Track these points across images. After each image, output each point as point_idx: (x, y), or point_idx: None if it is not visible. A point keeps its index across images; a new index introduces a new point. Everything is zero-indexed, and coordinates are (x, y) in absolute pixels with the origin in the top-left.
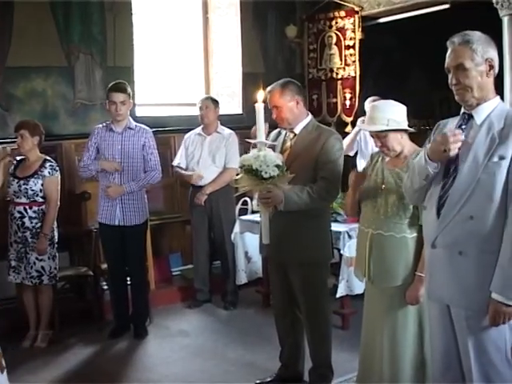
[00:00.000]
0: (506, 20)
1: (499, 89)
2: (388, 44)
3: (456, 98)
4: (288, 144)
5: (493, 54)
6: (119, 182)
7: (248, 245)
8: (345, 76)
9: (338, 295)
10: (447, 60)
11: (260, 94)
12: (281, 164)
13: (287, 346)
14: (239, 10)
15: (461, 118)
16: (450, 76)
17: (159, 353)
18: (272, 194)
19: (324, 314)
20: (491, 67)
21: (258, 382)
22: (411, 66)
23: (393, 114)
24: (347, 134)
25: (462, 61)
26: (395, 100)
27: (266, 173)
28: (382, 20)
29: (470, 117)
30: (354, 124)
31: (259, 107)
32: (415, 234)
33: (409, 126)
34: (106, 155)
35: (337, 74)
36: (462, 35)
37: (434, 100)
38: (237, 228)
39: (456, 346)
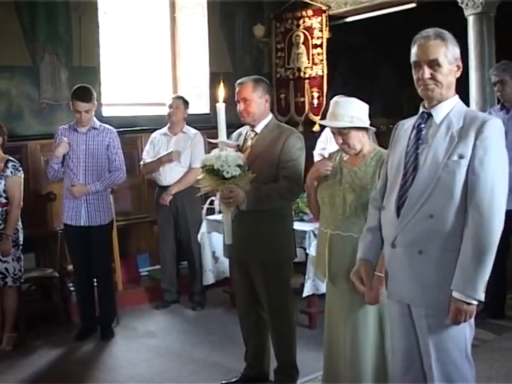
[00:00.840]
0: (471, 19)
1: (465, 87)
2: (357, 43)
3: (422, 93)
4: (249, 143)
5: (459, 54)
6: (83, 182)
7: (215, 245)
8: (312, 75)
9: (304, 294)
10: (418, 53)
11: (221, 94)
12: (242, 164)
13: (252, 345)
14: (206, 9)
15: (419, 117)
16: (416, 70)
17: (125, 354)
18: (233, 194)
19: (288, 313)
20: (458, 68)
21: (223, 382)
22: (380, 64)
23: (356, 111)
24: (315, 133)
25: (437, 56)
26: (365, 99)
27: (227, 173)
28: (349, 19)
29: (429, 116)
30: (321, 124)
31: (220, 107)
32: None
33: (379, 124)
34: (70, 155)
35: (304, 73)
36: (435, 30)
37: (402, 98)
38: (203, 228)
39: (417, 346)
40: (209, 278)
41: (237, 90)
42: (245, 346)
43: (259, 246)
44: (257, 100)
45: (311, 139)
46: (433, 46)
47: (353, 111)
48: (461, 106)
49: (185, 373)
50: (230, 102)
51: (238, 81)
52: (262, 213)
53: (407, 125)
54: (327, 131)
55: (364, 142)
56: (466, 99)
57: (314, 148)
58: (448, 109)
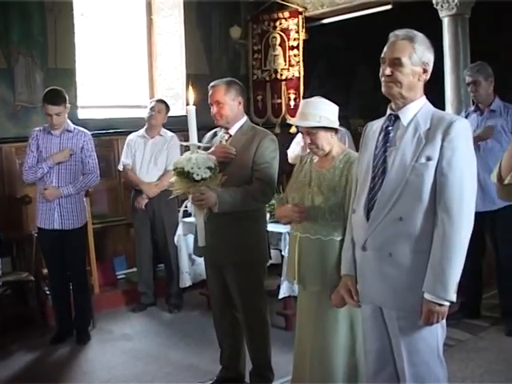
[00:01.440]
0: (445, 21)
1: (441, 88)
2: (334, 45)
3: (383, 90)
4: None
5: (430, 58)
6: (57, 185)
7: (191, 247)
8: (289, 77)
9: (280, 296)
10: (385, 50)
11: (191, 96)
12: (213, 166)
13: (227, 347)
14: (183, 11)
15: (387, 119)
16: (383, 67)
17: (101, 357)
18: (205, 196)
19: (261, 314)
20: (425, 71)
21: None
22: (357, 66)
23: (325, 111)
24: (292, 134)
25: (401, 55)
26: (342, 100)
27: (197, 175)
28: (325, 21)
29: (397, 118)
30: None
31: (190, 109)
32: (342, 237)
33: (357, 126)
34: (44, 158)
35: (281, 74)
36: (407, 31)
37: (379, 99)
38: (180, 230)
39: (389, 347)
40: (186, 281)
41: (210, 93)
42: (220, 348)
43: (232, 248)
44: (230, 103)
45: (288, 141)
46: (399, 45)
47: (321, 111)
48: (428, 107)
49: (160, 375)
50: (206, 104)
51: (211, 84)
52: (235, 215)
53: (375, 126)
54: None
55: (333, 144)
56: (441, 101)
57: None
58: (415, 110)
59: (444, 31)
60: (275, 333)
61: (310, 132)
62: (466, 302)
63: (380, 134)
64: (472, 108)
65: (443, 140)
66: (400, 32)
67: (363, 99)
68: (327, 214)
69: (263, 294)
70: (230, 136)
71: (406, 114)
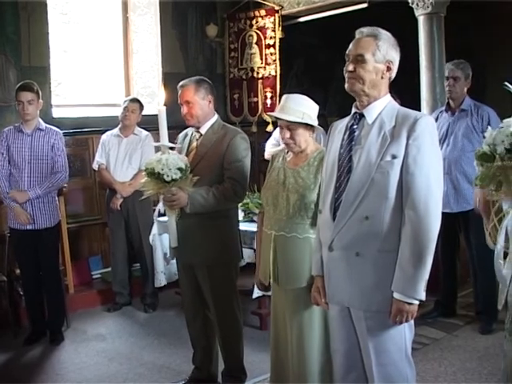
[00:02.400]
0: (421, 19)
1: (417, 87)
2: (312, 43)
3: (346, 86)
4: (194, 144)
5: (394, 56)
6: (28, 185)
7: (167, 246)
8: (265, 75)
9: (254, 296)
10: (350, 47)
11: (161, 96)
12: (183, 167)
13: (200, 348)
14: (159, 9)
15: (352, 118)
16: (347, 63)
17: (74, 358)
18: (176, 197)
19: (234, 315)
20: (389, 69)
21: None
22: (335, 64)
23: (308, 109)
24: (269, 133)
25: (364, 52)
26: (320, 99)
27: (167, 176)
28: (302, 19)
29: (362, 116)
30: (274, 123)
31: (161, 110)
32: None
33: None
34: (14, 157)
35: (257, 73)
36: (372, 28)
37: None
38: (155, 229)
39: (358, 347)
40: (161, 280)
41: (179, 92)
42: (193, 349)
43: (204, 248)
44: (200, 102)
45: (265, 139)
46: (363, 42)
47: (304, 108)
48: (393, 105)
49: (133, 376)
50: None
51: (180, 83)
52: (206, 214)
53: (341, 125)
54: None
55: (309, 142)
56: (416, 98)
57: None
58: (380, 109)
59: (419, 30)
60: (250, 332)
61: (291, 126)
62: (442, 300)
63: (345, 132)
64: (443, 108)
65: (408, 138)
66: (365, 29)
67: (341, 98)
68: (303, 212)
69: (235, 293)
70: (201, 135)
71: (371, 113)
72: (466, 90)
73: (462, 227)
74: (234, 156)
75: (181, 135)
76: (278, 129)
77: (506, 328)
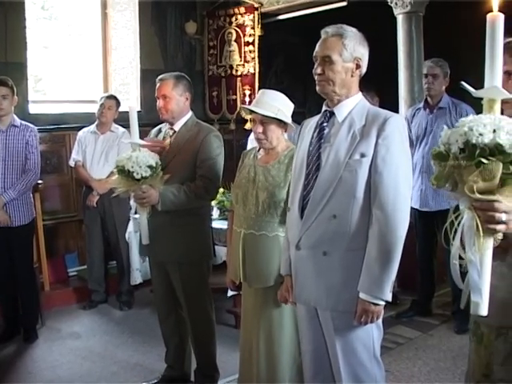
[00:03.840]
0: (400, 18)
1: (395, 85)
2: (291, 41)
3: (317, 89)
4: (167, 141)
5: (363, 52)
6: (2, 184)
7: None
8: (244, 73)
9: (229, 294)
10: (317, 48)
11: (132, 95)
12: (154, 165)
13: (172, 346)
14: (138, 5)
15: (322, 116)
16: (315, 65)
17: (47, 356)
18: (147, 195)
19: (206, 313)
20: (358, 66)
21: (144, 383)
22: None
23: (283, 106)
24: (247, 130)
25: (331, 53)
26: (299, 97)
27: (137, 174)
28: (282, 17)
29: (332, 114)
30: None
31: (132, 108)
32: None
33: None
34: None
35: (236, 70)
36: (337, 27)
37: None
38: (131, 227)
39: (325, 348)
40: (136, 278)
41: (157, 85)
42: (165, 347)
43: (175, 246)
44: (177, 97)
45: (243, 137)
46: (328, 43)
47: (279, 104)
48: (364, 104)
49: (106, 374)
50: None
51: (159, 77)
52: (178, 212)
53: (311, 123)
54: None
55: (281, 140)
56: (394, 97)
57: (245, 147)
58: (350, 107)
59: (398, 29)
60: (225, 330)
61: (264, 121)
62: (418, 299)
63: (315, 130)
64: (421, 105)
65: (378, 137)
66: (330, 29)
67: (320, 96)
68: (272, 210)
69: (207, 292)
70: (175, 132)
71: (341, 111)
72: (444, 88)
73: (440, 226)
74: (207, 154)
75: (154, 131)
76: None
77: (470, 329)
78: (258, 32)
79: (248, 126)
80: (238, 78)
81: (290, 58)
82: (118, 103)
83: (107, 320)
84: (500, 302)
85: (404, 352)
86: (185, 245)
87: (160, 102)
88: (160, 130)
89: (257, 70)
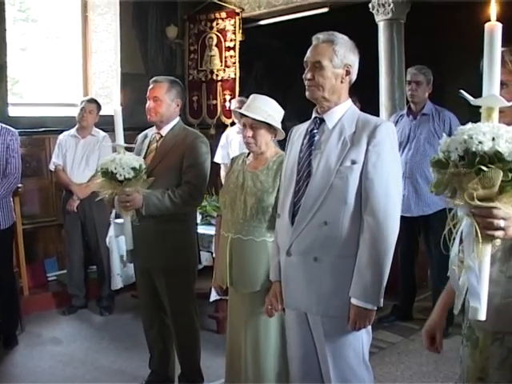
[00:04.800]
0: (381, 25)
1: (375, 92)
2: (272, 46)
3: (307, 94)
4: (154, 146)
5: (353, 60)
6: None
7: (123, 249)
8: (225, 77)
9: (211, 299)
10: (307, 54)
11: (117, 97)
12: (137, 167)
13: (156, 352)
14: (119, 9)
15: (312, 122)
16: (306, 71)
17: (28, 362)
18: (130, 198)
19: (191, 319)
20: (348, 73)
21: None
22: (295, 68)
23: (273, 111)
24: None
25: (321, 59)
26: (279, 102)
27: (120, 175)
28: (263, 22)
29: (322, 121)
30: (233, 126)
31: (117, 110)
32: None
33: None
34: None
35: (217, 75)
36: (328, 34)
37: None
38: (111, 231)
39: (314, 353)
40: (117, 283)
41: (150, 86)
42: (149, 353)
43: (161, 252)
44: (168, 102)
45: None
46: (319, 49)
47: (270, 110)
48: (353, 110)
49: (89, 380)
50: (142, 104)
51: (154, 78)
52: (163, 218)
53: (301, 130)
54: (227, 135)
55: (270, 146)
56: (375, 103)
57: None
58: (340, 114)
59: (379, 35)
60: (207, 336)
61: (254, 126)
62: (399, 304)
63: (305, 137)
64: (404, 111)
65: (368, 144)
66: (321, 35)
67: (300, 102)
68: (260, 215)
69: (193, 298)
70: (162, 137)
71: (332, 118)
72: (427, 94)
73: (422, 231)
74: (193, 159)
75: (140, 136)
76: (223, 136)
77: (464, 334)
78: (238, 37)
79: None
80: (219, 83)
81: (270, 63)
82: (98, 107)
83: (88, 325)
84: (496, 308)
85: (386, 356)
86: (170, 251)
87: (150, 104)
88: (146, 136)
89: (237, 74)
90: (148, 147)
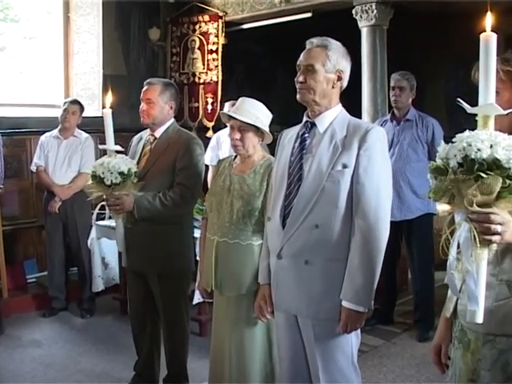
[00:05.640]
0: (364, 31)
1: (358, 97)
2: (254, 50)
3: (298, 97)
4: (148, 148)
5: (345, 66)
6: None
7: (105, 251)
8: (207, 80)
9: (195, 302)
10: (300, 57)
11: (108, 99)
12: (126, 171)
13: (144, 354)
14: (101, 10)
15: (303, 126)
16: (298, 74)
17: (8, 365)
18: (120, 201)
19: (183, 324)
20: (340, 78)
21: None
22: (277, 72)
23: (262, 114)
24: (208, 138)
25: (314, 62)
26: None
27: (107, 180)
28: (246, 26)
29: (313, 125)
30: (215, 129)
31: (107, 113)
32: (261, 241)
33: (274, 132)
34: None
35: (199, 78)
36: (322, 39)
37: (297, 106)
38: (93, 233)
39: (304, 355)
40: (98, 285)
41: (144, 88)
42: (137, 355)
43: (155, 256)
44: (161, 104)
45: (204, 145)
46: (313, 52)
47: (259, 113)
48: (344, 115)
49: (72, 383)
50: (124, 105)
51: (148, 80)
52: (159, 221)
53: (291, 133)
54: (217, 137)
55: (257, 149)
56: (358, 109)
57: None
58: (331, 118)
59: (362, 41)
60: (190, 338)
61: (242, 128)
62: (381, 308)
63: (296, 141)
64: (388, 117)
65: (359, 148)
66: (315, 40)
67: (282, 105)
68: (247, 218)
69: (186, 303)
70: (155, 139)
71: (323, 122)
72: (410, 100)
73: (404, 236)
74: (186, 161)
75: (135, 138)
76: (213, 138)
77: (455, 336)
78: (221, 40)
79: (209, 134)
80: (201, 86)
81: (252, 67)
82: (81, 108)
83: (68, 328)
84: (487, 310)
85: (369, 360)
86: (165, 255)
87: (143, 106)
88: (141, 138)
89: (220, 78)
90: (142, 149)
